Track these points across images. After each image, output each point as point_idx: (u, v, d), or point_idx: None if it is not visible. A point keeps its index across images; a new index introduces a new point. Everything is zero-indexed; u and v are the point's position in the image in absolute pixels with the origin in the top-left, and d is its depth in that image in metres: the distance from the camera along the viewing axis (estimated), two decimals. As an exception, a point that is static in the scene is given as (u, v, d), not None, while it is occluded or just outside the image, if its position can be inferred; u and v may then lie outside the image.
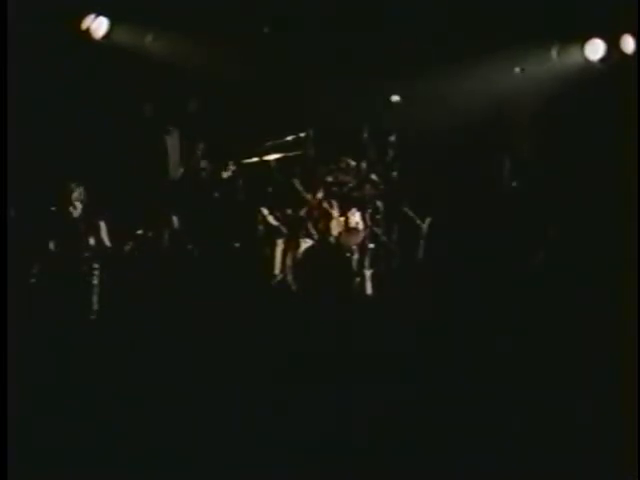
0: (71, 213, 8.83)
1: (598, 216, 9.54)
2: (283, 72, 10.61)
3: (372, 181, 9.81)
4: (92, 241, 8.78)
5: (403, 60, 10.23)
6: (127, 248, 9.08)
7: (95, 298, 8.53)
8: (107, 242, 8.86)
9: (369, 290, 9.47)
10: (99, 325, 8.18)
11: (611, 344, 6.99)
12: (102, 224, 8.88)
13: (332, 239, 9.56)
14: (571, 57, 10.38)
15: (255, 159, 9.93)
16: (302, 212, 9.78)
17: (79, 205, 8.84)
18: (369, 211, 9.66)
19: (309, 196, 9.82)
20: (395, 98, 10.01)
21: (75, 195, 8.82)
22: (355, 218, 9.65)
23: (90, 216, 8.88)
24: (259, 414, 5.76)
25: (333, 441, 5.37)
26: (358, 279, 9.46)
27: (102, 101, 10.07)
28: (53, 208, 8.89)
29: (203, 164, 10.35)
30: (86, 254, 8.70)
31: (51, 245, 8.72)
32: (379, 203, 9.77)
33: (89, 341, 7.52)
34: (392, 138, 9.95)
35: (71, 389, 6.20)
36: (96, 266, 8.66)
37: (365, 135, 9.95)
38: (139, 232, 9.54)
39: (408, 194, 9.93)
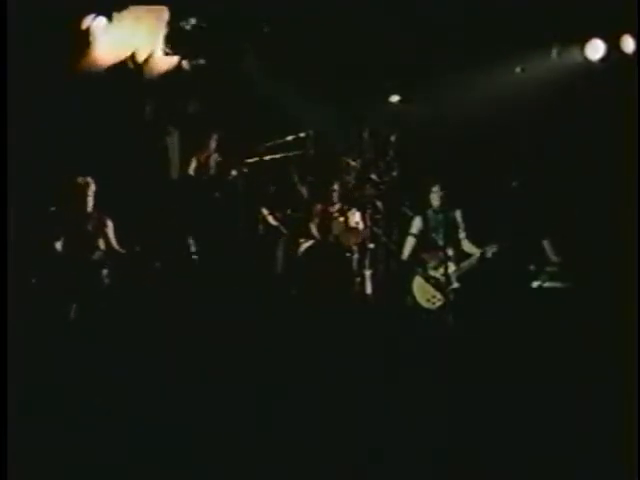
0: (70, 212, 8.84)
1: (598, 216, 9.53)
2: (283, 72, 10.61)
3: (372, 181, 9.81)
4: (91, 241, 8.80)
5: (403, 60, 10.24)
6: (126, 247, 9.06)
7: (95, 297, 8.55)
8: (114, 243, 8.90)
9: (369, 290, 9.48)
10: (99, 325, 8.18)
11: (611, 344, 6.99)
12: (106, 223, 8.92)
13: (332, 239, 9.57)
14: (571, 57, 10.37)
15: (255, 159, 9.93)
16: (302, 212, 9.78)
17: (83, 204, 8.87)
18: (369, 211, 9.66)
19: (309, 196, 9.83)
20: (395, 98, 10.02)
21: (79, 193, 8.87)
22: (355, 218, 9.66)
23: (97, 215, 8.91)
24: (259, 414, 5.76)
25: (334, 441, 5.37)
26: (358, 279, 9.46)
27: (101, 101, 10.06)
28: (53, 208, 8.91)
29: (203, 164, 10.35)
30: (84, 253, 8.71)
31: (50, 245, 8.74)
32: (379, 203, 9.77)
33: (89, 341, 7.52)
34: (392, 138, 9.95)
35: (71, 390, 6.19)
36: (94, 264, 8.68)
37: (365, 135, 9.96)
38: (138, 232, 9.54)
39: (408, 194, 9.93)
